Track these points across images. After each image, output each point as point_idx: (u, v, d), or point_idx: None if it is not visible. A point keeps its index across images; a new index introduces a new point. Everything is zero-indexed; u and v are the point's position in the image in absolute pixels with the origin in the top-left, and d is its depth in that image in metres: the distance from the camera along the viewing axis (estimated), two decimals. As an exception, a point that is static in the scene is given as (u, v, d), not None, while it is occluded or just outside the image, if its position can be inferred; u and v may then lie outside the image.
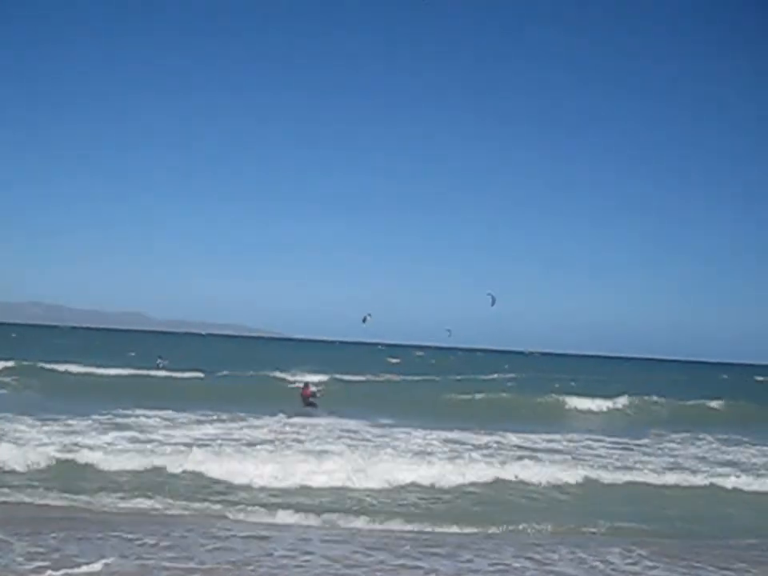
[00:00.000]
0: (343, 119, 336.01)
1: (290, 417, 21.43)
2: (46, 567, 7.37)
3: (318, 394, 25.61)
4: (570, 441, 19.34)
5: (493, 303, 25.42)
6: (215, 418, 20.08)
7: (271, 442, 16.15)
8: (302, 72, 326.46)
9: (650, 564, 8.69)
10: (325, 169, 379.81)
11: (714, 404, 32.64)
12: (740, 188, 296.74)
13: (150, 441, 15.46)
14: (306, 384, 26.45)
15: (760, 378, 78.04)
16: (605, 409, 31.00)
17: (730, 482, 14.02)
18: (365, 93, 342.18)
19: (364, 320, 25.69)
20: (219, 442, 15.68)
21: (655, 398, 32.78)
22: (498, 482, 13.22)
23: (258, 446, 14.91)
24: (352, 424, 20.46)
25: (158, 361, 39.27)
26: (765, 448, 19.71)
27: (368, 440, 17.34)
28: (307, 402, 24.85)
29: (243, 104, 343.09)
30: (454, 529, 10.32)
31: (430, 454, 15.26)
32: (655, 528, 10.86)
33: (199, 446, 14.36)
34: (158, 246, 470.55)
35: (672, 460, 16.90)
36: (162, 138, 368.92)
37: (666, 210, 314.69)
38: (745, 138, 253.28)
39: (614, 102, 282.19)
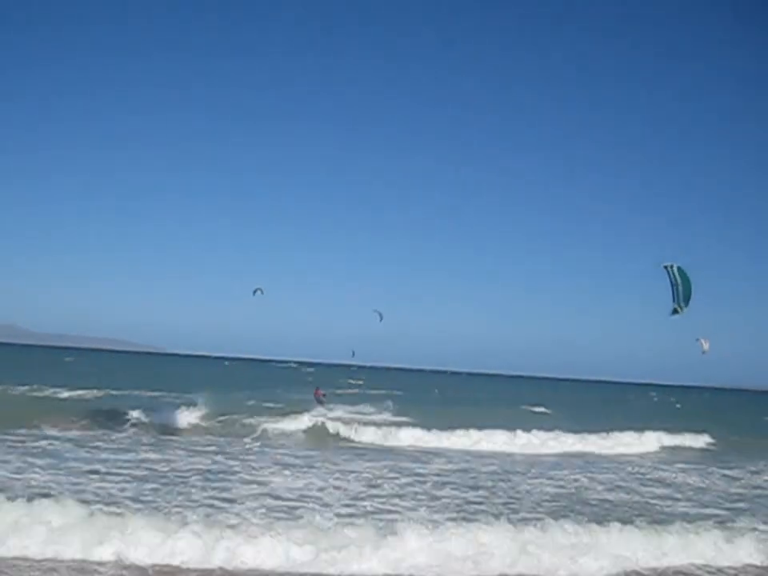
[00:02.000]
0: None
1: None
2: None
3: (323, 397, 34.51)
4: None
5: (381, 319, 26.92)
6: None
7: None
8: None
9: None
10: (215, 185, 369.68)
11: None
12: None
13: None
14: (317, 388, 36.69)
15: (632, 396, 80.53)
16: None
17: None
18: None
19: (254, 293, 24.89)
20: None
21: None
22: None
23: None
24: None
25: None
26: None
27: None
28: (319, 400, 33.40)
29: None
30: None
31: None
32: None
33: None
34: (37, 254, 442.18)
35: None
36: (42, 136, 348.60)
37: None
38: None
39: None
